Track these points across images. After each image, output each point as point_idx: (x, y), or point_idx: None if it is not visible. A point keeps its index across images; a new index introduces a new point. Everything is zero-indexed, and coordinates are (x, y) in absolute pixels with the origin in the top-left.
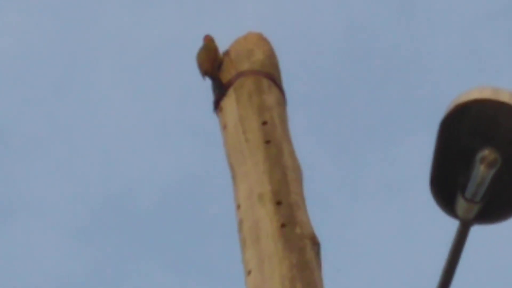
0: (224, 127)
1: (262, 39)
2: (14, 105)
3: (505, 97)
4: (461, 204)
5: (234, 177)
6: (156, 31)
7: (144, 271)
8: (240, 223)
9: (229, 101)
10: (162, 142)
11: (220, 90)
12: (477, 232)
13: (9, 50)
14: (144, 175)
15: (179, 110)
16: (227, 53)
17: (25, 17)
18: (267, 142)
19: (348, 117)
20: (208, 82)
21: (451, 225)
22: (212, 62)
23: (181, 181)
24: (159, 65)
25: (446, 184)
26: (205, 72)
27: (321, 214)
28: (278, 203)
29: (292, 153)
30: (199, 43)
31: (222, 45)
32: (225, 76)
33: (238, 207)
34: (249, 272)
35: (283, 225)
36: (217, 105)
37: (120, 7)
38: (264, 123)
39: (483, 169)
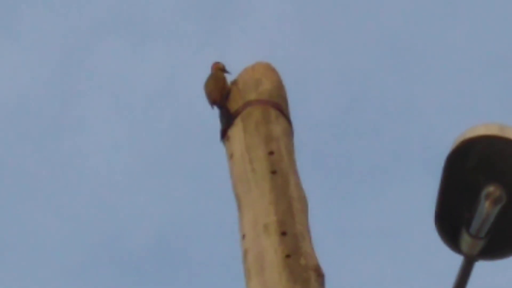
0: (230, 156)
1: (270, 69)
2: (8, 143)
3: (511, 134)
4: (465, 240)
5: (239, 207)
6: (151, 74)
7: None
8: (245, 253)
9: (236, 130)
10: (155, 184)
11: (228, 119)
12: (481, 268)
13: (3, 88)
14: (137, 216)
15: (172, 152)
16: (235, 82)
17: (20, 56)
18: (273, 172)
19: (342, 160)
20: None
21: (455, 260)
22: (220, 91)
23: (174, 223)
24: (152, 107)
25: (451, 219)
26: (213, 101)
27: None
28: (283, 233)
29: (298, 183)
30: (194, 86)
31: (229, 75)
32: (233, 105)
33: (243, 237)
34: None
35: (287, 256)
36: (224, 134)
37: (115, 46)
38: (271, 153)
39: (488, 205)
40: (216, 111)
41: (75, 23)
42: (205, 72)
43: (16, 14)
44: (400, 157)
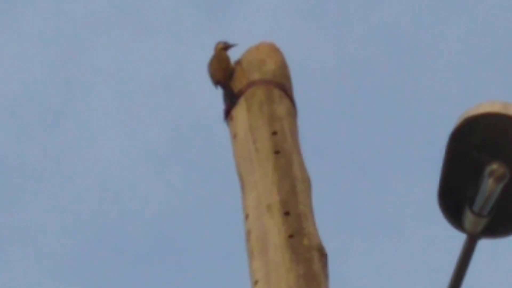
0: (234, 136)
1: (274, 50)
2: (8, 136)
3: None
4: (468, 218)
5: (242, 187)
6: (151, 65)
7: None
8: (248, 233)
9: (239, 110)
10: (155, 175)
11: (231, 99)
12: (484, 246)
13: (2, 81)
14: (137, 208)
15: (171, 143)
16: (239, 62)
17: (21, 49)
18: (277, 152)
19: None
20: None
21: (458, 239)
22: (224, 72)
23: (174, 214)
24: (153, 99)
25: (454, 197)
26: (217, 81)
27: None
28: (286, 213)
29: (301, 164)
30: (195, 79)
31: (234, 55)
32: (237, 85)
33: (247, 217)
34: (255, 282)
35: (290, 236)
36: (227, 114)
37: (116, 38)
38: (274, 133)
39: (491, 183)
40: (219, 92)
41: (75, 15)
42: (206, 63)
43: (15, 6)
44: (400, 147)
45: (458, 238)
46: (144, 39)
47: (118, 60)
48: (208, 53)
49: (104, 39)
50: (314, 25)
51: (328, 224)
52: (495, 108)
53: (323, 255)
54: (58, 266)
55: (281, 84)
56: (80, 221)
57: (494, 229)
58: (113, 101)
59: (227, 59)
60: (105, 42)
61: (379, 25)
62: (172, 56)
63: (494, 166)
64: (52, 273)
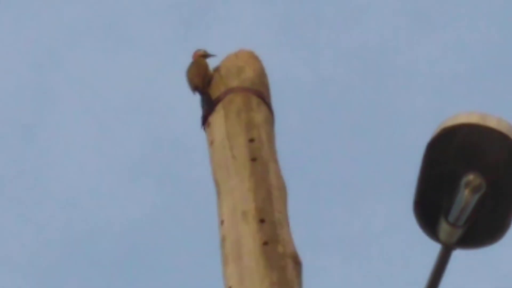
0: (211, 143)
1: (253, 57)
2: None
3: (492, 123)
4: (443, 228)
5: (218, 193)
6: (125, 79)
7: None
8: (223, 239)
9: (217, 117)
10: (127, 186)
11: (209, 105)
12: (459, 256)
13: None
14: (108, 219)
15: (144, 155)
16: (217, 69)
17: None
18: (253, 159)
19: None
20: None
21: (433, 249)
22: (202, 78)
23: (146, 224)
24: (125, 113)
25: (430, 207)
26: (195, 87)
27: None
28: (262, 221)
29: (277, 171)
30: (169, 92)
31: (213, 61)
32: (215, 92)
33: (222, 223)
34: None
35: (265, 243)
36: (205, 120)
37: (89, 52)
38: (251, 140)
39: (467, 193)
40: (193, 105)
41: (49, 27)
42: (180, 77)
43: None
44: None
45: (433, 249)
46: (118, 52)
47: (91, 73)
48: (182, 66)
49: (77, 52)
50: (289, 43)
51: (302, 236)
52: (473, 119)
53: (297, 263)
54: (28, 279)
55: (259, 92)
56: (51, 234)
57: (469, 240)
58: (86, 114)
59: (205, 66)
60: (79, 55)
61: (352, 45)
62: (146, 69)
63: (470, 177)
64: (20, 282)
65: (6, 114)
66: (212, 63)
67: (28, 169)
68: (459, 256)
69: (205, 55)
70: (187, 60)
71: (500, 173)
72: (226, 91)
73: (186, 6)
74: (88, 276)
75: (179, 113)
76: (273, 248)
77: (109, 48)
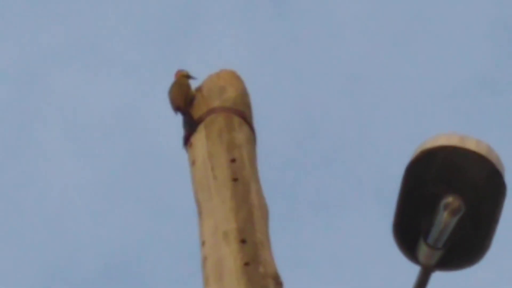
0: (193, 163)
1: (235, 77)
2: None
3: (471, 145)
4: (423, 250)
5: (200, 214)
6: (106, 101)
7: None
8: (204, 260)
9: (199, 137)
10: (108, 208)
11: (191, 125)
12: (437, 278)
13: None
14: (89, 240)
15: (124, 175)
16: (199, 89)
17: None
18: (235, 179)
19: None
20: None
21: (412, 271)
22: (184, 98)
23: (125, 249)
24: (107, 134)
25: (409, 229)
26: (177, 107)
27: None
28: (243, 241)
29: (259, 191)
30: (149, 112)
31: (195, 82)
32: (196, 112)
33: (203, 243)
34: None
35: (246, 264)
36: (187, 140)
37: (70, 72)
38: (233, 160)
39: (446, 215)
40: (173, 125)
41: (31, 47)
42: (160, 99)
43: None
44: (354, 187)
45: (413, 271)
46: (100, 71)
47: (73, 92)
48: (164, 86)
49: (58, 71)
50: (270, 63)
51: (283, 257)
52: (452, 141)
53: (278, 283)
54: None
55: (241, 112)
56: (32, 255)
57: (448, 261)
58: (68, 134)
59: (187, 86)
60: (60, 74)
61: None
62: (128, 89)
63: (450, 199)
64: None
65: None
66: (194, 83)
67: (8, 189)
68: (438, 277)
69: (188, 76)
70: (169, 80)
71: (479, 195)
72: (208, 111)
73: (167, 26)
74: None
75: (161, 133)
76: (255, 269)
77: (90, 67)
